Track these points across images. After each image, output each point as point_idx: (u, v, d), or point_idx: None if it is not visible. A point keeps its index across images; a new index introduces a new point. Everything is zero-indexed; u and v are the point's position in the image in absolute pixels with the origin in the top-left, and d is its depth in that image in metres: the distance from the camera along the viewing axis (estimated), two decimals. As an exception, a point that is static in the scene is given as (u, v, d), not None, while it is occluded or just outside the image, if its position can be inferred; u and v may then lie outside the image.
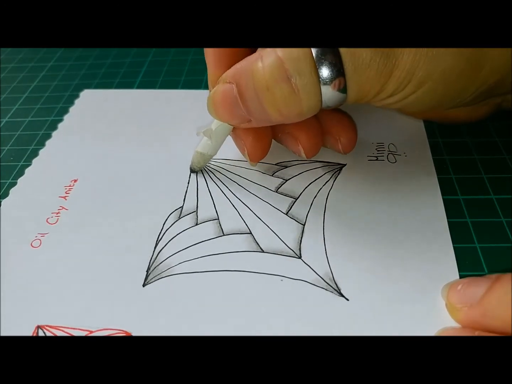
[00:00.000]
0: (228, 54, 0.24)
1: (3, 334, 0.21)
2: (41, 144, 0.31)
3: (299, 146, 0.26)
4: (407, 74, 0.19)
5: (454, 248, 0.22)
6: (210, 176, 0.28)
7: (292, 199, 0.26)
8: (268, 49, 0.20)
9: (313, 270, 0.22)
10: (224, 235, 0.24)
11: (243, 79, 0.21)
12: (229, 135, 0.26)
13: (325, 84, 0.20)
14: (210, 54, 0.24)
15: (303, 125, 0.25)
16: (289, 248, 0.23)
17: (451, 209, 0.24)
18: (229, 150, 0.29)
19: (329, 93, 0.20)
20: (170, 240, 0.24)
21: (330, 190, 0.26)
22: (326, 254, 0.23)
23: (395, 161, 0.27)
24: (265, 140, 0.26)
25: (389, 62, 0.19)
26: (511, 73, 0.21)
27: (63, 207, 0.27)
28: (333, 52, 0.19)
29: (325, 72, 0.20)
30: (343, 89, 0.20)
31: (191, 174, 0.28)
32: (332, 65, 0.19)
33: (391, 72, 0.19)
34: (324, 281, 0.22)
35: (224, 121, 0.24)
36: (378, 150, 0.28)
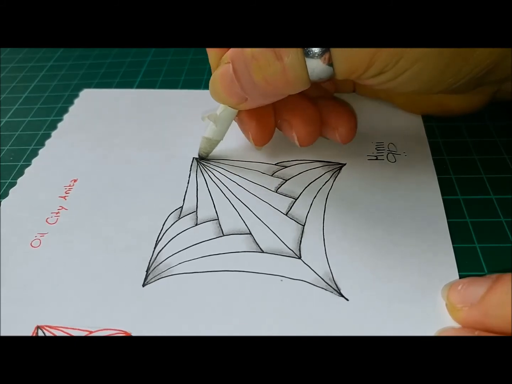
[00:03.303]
0: None
1: (3, 334, 0.21)
2: (41, 144, 0.31)
3: (293, 133, 0.26)
4: (398, 48, 0.19)
5: (454, 248, 0.22)
6: (210, 176, 0.28)
7: (292, 199, 0.26)
8: None
9: (312, 270, 0.22)
10: (224, 235, 0.24)
11: (235, 55, 0.22)
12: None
13: (313, 57, 0.20)
14: None
15: (299, 112, 0.25)
16: (289, 248, 0.23)
17: (451, 209, 0.24)
18: (229, 150, 0.29)
19: (318, 67, 0.20)
20: (170, 240, 0.24)
21: (330, 190, 0.26)
22: (326, 254, 0.23)
23: (395, 161, 0.27)
24: (269, 124, 0.26)
25: None
26: (506, 57, 0.21)
27: (62, 207, 0.27)
28: None
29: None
30: (331, 63, 0.20)
31: (191, 174, 0.28)
32: None
33: None
34: (324, 281, 0.22)
35: (223, 101, 0.25)
36: (378, 150, 0.28)
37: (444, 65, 0.20)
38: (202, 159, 0.28)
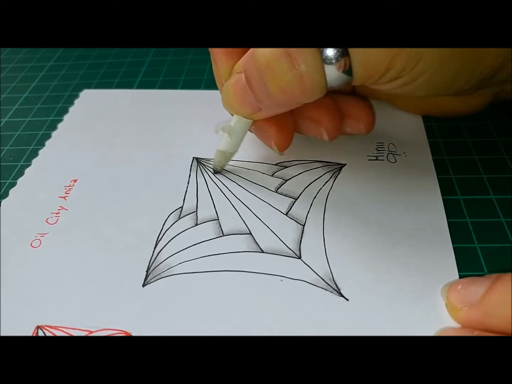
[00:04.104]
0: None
1: (3, 334, 0.21)
2: (41, 144, 0.31)
3: (321, 128, 0.26)
4: (417, 51, 0.19)
5: (454, 248, 0.22)
6: (210, 176, 0.28)
7: (292, 199, 0.26)
8: None
9: (312, 270, 0.22)
10: (224, 235, 0.24)
11: (247, 64, 0.22)
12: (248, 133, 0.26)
13: (329, 63, 0.20)
14: (219, 49, 0.24)
15: (322, 107, 0.25)
16: (289, 248, 0.23)
17: (451, 209, 0.24)
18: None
19: (333, 74, 0.20)
20: (170, 240, 0.24)
21: (330, 190, 0.26)
22: (326, 254, 0.23)
23: (395, 161, 0.27)
24: (288, 127, 0.26)
25: None
26: (509, 59, 0.21)
27: (62, 207, 0.27)
28: None
29: (329, 51, 0.19)
30: (348, 70, 0.20)
31: (191, 174, 0.28)
32: None
33: (399, 49, 0.19)
34: (324, 281, 0.22)
35: (236, 112, 0.24)
36: (378, 150, 0.28)
37: (460, 68, 0.20)
38: (216, 172, 0.28)
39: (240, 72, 0.22)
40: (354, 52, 0.19)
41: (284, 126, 0.25)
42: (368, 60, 0.19)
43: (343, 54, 0.19)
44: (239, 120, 0.24)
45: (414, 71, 0.20)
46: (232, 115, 0.25)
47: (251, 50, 0.22)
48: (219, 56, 0.24)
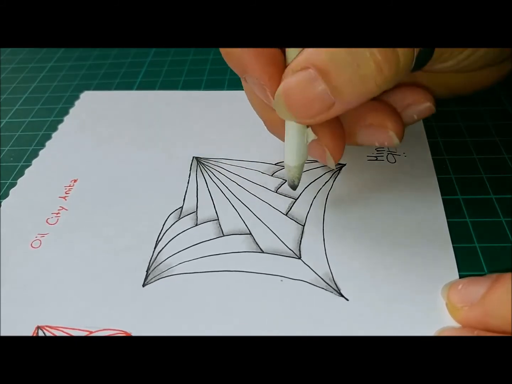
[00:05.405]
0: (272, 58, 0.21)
1: (3, 334, 0.21)
2: (41, 144, 0.31)
3: (388, 132, 0.23)
4: None
5: (454, 248, 0.22)
6: (210, 176, 0.28)
7: (292, 199, 0.26)
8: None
9: (312, 270, 0.22)
10: (224, 235, 0.24)
11: (319, 57, 0.19)
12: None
13: None
14: (250, 61, 0.21)
15: (380, 110, 0.23)
16: (289, 248, 0.23)
17: (451, 209, 0.24)
18: (229, 150, 0.29)
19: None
20: (170, 241, 0.24)
21: (329, 190, 0.26)
22: (326, 254, 0.23)
23: (395, 161, 0.27)
24: (342, 136, 0.23)
25: None
26: None
27: (63, 208, 0.27)
28: None
29: None
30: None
31: (191, 174, 0.28)
32: None
33: None
34: (324, 281, 0.22)
35: (300, 116, 0.21)
36: (377, 150, 0.28)
37: None
38: (295, 188, 0.23)
39: (305, 68, 0.19)
40: None
41: (337, 135, 0.23)
42: None
43: None
44: (291, 127, 0.21)
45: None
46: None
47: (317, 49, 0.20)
48: (253, 67, 0.21)
